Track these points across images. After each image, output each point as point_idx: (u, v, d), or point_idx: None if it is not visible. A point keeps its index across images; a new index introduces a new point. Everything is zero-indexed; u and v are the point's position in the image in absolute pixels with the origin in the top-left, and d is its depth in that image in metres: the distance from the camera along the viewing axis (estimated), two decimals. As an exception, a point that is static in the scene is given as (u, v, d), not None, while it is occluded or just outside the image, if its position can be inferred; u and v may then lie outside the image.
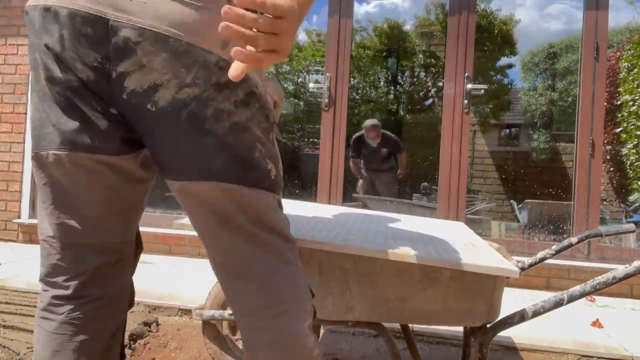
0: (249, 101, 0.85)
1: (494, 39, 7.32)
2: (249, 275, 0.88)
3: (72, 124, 0.81)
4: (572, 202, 3.30)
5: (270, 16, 0.66)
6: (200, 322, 1.61)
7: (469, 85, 3.35)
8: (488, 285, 1.20)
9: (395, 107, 7.71)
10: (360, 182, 5.46)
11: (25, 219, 3.83)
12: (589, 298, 2.85)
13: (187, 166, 0.82)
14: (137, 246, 1.03)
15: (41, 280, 0.92)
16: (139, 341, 1.97)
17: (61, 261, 0.89)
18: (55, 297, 0.89)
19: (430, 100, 7.73)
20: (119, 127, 0.83)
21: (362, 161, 5.40)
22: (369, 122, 5.36)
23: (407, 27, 7.70)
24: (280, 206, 0.95)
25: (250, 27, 0.65)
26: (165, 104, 0.79)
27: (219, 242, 0.88)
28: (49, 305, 0.89)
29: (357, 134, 5.32)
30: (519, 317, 1.26)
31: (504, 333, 2.05)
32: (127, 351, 1.87)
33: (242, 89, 0.84)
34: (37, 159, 0.85)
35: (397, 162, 5.46)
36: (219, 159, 0.83)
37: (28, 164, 3.84)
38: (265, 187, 0.89)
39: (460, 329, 1.97)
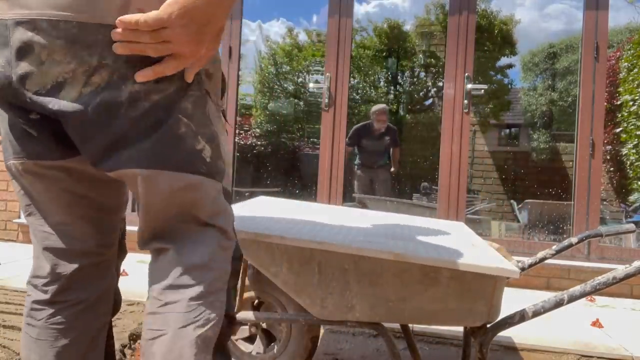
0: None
1: (494, 39, 7.32)
2: (169, 260, 0.81)
3: (16, 134, 0.82)
4: (572, 202, 3.30)
5: (148, 30, 0.70)
6: (200, 322, 1.60)
7: (469, 85, 3.35)
8: (488, 286, 1.20)
9: (395, 107, 7.71)
10: (356, 176, 5.43)
11: (25, 218, 3.82)
12: (589, 298, 2.85)
13: (106, 156, 0.76)
14: (120, 251, 1.01)
15: (27, 282, 0.93)
16: (139, 341, 1.97)
17: (40, 265, 0.90)
18: (35, 301, 0.90)
19: (430, 100, 7.73)
20: (50, 131, 0.78)
21: (358, 155, 5.37)
22: (379, 106, 5.38)
23: (407, 27, 7.70)
24: (225, 195, 0.86)
25: (139, 41, 0.71)
26: (71, 102, 0.73)
27: (149, 223, 0.82)
28: (31, 311, 0.90)
29: (361, 123, 5.34)
30: (519, 317, 1.26)
31: (504, 333, 2.04)
32: (127, 351, 1.87)
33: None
34: (8, 169, 0.87)
35: (391, 158, 5.44)
36: (137, 144, 0.75)
37: (28, 164, 3.83)
38: (199, 172, 0.79)
39: (460, 329, 1.97)
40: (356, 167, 5.41)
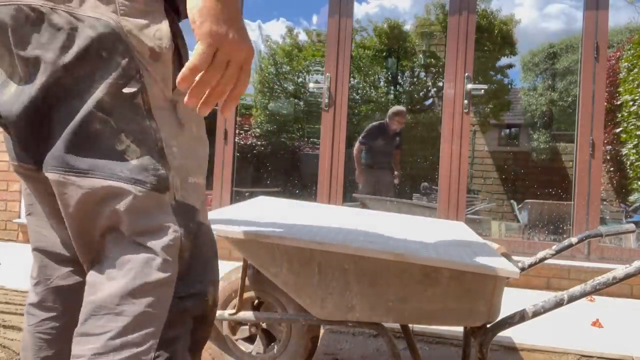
0: (91, 48, 0.64)
1: (494, 39, 7.32)
2: (87, 285, 0.67)
3: (6, 136, 0.80)
4: (572, 202, 3.30)
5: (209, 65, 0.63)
6: (200, 322, 1.60)
7: (469, 85, 3.35)
8: (488, 285, 1.20)
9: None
10: (363, 177, 5.42)
11: (25, 218, 3.82)
12: (589, 298, 2.85)
13: (39, 158, 0.69)
14: None
15: None
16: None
17: (34, 264, 0.88)
18: (29, 304, 0.88)
19: (430, 100, 7.73)
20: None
21: (365, 154, 5.35)
22: (399, 108, 5.43)
23: (407, 27, 7.70)
24: (181, 212, 0.69)
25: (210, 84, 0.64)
26: (4, 100, 0.67)
27: (76, 244, 0.73)
28: (27, 314, 0.89)
29: (376, 123, 5.36)
30: (519, 317, 1.26)
31: (504, 333, 2.03)
32: None
33: (83, 35, 0.64)
34: None
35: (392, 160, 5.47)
36: (53, 142, 0.65)
37: (28, 164, 3.83)
38: (118, 177, 0.64)
39: (460, 329, 1.97)
40: (362, 166, 5.40)
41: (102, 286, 0.64)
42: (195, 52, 0.63)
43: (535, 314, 1.25)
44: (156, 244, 0.65)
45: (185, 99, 0.64)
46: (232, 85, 0.66)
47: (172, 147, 0.69)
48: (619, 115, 5.68)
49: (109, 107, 0.64)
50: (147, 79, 0.67)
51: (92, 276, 0.67)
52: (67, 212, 0.67)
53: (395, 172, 5.48)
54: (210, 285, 0.75)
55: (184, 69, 0.62)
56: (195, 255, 0.72)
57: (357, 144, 5.16)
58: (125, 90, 0.65)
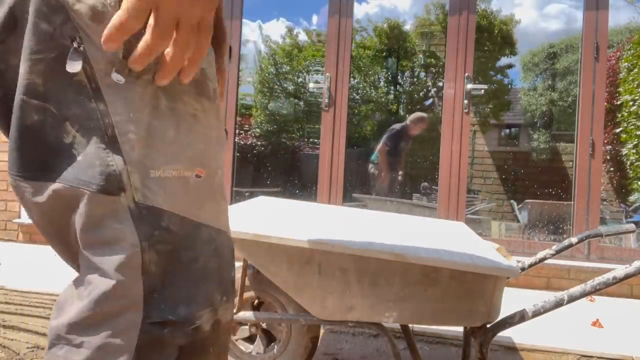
0: (13, 15, 0.53)
1: (494, 39, 7.32)
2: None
3: None
4: (572, 202, 3.30)
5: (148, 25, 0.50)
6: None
7: (469, 85, 3.35)
8: (488, 285, 1.20)
9: (395, 107, 7.71)
10: (373, 175, 5.44)
11: (25, 218, 3.83)
12: (589, 298, 2.85)
13: None
14: None
15: None
16: None
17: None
18: None
19: (430, 100, 7.74)
20: None
21: (387, 155, 5.37)
22: (422, 114, 5.52)
23: (407, 27, 7.70)
24: (137, 215, 0.52)
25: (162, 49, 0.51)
26: None
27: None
28: None
29: (397, 126, 5.40)
30: (519, 317, 1.26)
31: (504, 333, 2.04)
32: None
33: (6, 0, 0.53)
34: None
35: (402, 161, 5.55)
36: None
37: (28, 164, 3.83)
38: (64, 179, 0.52)
39: (460, 329, 1.97)
40: (374, 166, 5.43)
41: (68, 307, 0.54)
42: (122, 5, 0.48)
43: (535, 314, 1.25)
44: (108, 262, 0.52)
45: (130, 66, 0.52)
46: (190, 51, 0.52)
47: (129, 133, 0.52)
48: (619, 115, 5.68)
49: (44, 91, 0.51)
50: (89, 48, 0.51)
51: (66, 290, 0.57)
52: (33, 220, 0.58)
53: (400, 172, 5.53)
54: (205, 307, 0.56)
55: (108, 26, 0.48)
56: (176, 269, 0.55)
57: (381, 146, 5.23)
58: (62, 66, 0.51)
